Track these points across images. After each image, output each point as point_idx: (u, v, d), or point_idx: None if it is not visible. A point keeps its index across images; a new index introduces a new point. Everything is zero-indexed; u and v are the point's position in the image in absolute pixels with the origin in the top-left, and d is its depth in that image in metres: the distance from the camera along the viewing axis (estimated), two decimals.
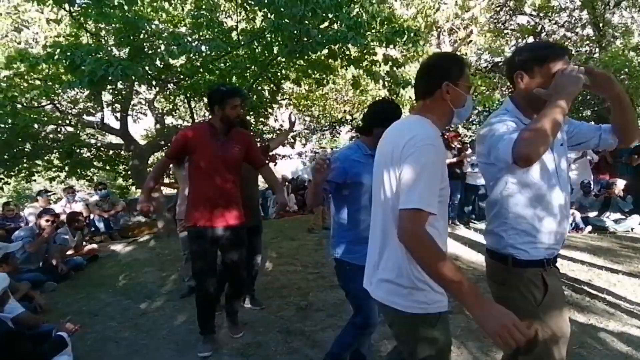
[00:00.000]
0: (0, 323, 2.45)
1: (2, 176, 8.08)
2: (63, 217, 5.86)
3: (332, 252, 2.12)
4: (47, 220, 4.96)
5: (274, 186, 3.07)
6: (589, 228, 6.23)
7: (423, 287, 1.29)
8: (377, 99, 10.66)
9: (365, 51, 5.01)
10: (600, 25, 9.53)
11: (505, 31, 11.78)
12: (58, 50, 3.93)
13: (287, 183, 10.50)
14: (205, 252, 2.65)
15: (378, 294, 1.41)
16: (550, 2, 10.23)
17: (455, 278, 1.12)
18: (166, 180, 7.01)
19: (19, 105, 6.09)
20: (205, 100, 7.66)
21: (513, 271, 1.47)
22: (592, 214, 6.62)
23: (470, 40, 10.44)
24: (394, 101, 2.51)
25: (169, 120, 10.06)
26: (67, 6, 4.58)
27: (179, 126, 9.54)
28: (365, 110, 2.12)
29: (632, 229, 6.04)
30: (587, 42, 10.33)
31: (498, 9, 11.27)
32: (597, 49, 10.09)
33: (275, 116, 9.32)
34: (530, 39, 11.99)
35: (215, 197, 2.59)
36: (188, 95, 6.35)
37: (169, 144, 8.65)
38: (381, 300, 1.39)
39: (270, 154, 4.12)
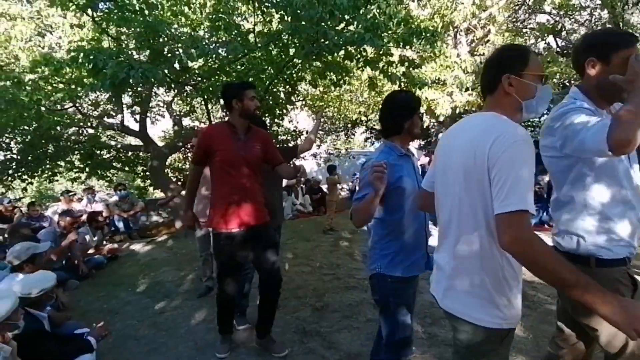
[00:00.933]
0: (36, 321, 2.53)
1: (26, 177, 8.35)
2: (84, 217, 6.01)
3: (373, 267, 1.89)
4: (71, 223, 5.09)
5: (290, 173, 2.83)
6: None
7: (500, 300, 1.22)
8: None
9: (381, 52, 4.98)
10: (620, 24, 9.26)
11: (524, 30, 11.56)
12: (81, 54, 4.03)
13: (302, 185, 10.53)
14: (231, 255, 2.58)
15: (447, 303, 1.34)
16: (570, 0, 10.00)
17: (577, 278, 1.02)
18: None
19: (43, 108, 6.26)
20: (222, 102, 7.84)
21: (597, 272, 1.37)
22: None
23: (488, 40, 10.29)
24: (405, 89, 2.41)
25: (186, 122, 10.22)
26: (89, 11, 4.70)
27: (195, 127, 9.67)
28: (383, 109, 1.93)
29: None
30: None
31: (517, 7, 11.08)
32: None
33: (290, 117, 9.36)
34: (550, 38, 11.75)
35: (240, 198, 2.51)
36: (205, 97, 6.43)
37: (186, 146, 8.81)
38: (451, 310, 1.33)
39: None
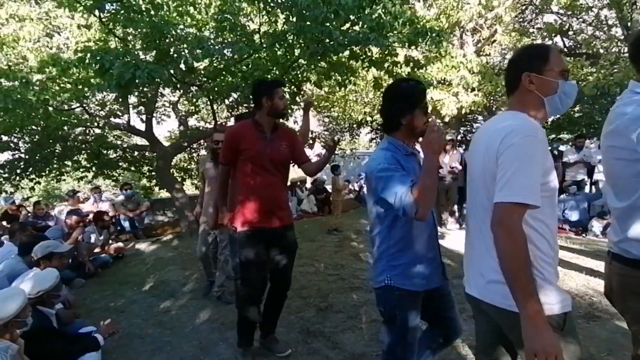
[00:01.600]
0: (44, 318, 2.56)
1: (33, 176, 8.44)
2: (90, 217, 6.06)
3: (380, 279, 1.73)
4: (78, 222, 5.15)
5: (319, 163, 2.83)
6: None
7: (541, 283, 1.20)
8: None
9: (386, 52, 4.97)
10: (628, 24, 9.17)
11: (531, 30, 11.47)
12: (88, 54, 4.06)
13: (305, 186, 10.54)
14: (259, 257, 2.48)
15: (487, 296, 1.33)
16: (577, 0, 9.91)
17: (527, 286, 1.10)
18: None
19: (50, 108, 6.32)
20: (227, 101, 7.89)
21: None
22: None
23: (495, 40, 10.23)
24: (411, 78, 2.26)
25: (192, 122, 10.27)
26: (96, 12, 4.74)
27: (201, 128, 9.71)
28: (382, 99, 1.78)
29: None
30: (617, 41, 9.95)
31: (523, 7, 11.00)
32: (626, 49, 9.70)
33: (295, 117, 9.37)
34: (557, 38, 11.65)
35: (266, 198, 2.47)
36: (211, 97, 6.46)
37: (192, 146, 8.88)
38: (492, 302, 1.31)
39: None
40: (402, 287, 1.68)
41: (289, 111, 7.83)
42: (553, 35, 10.90)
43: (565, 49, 11.55)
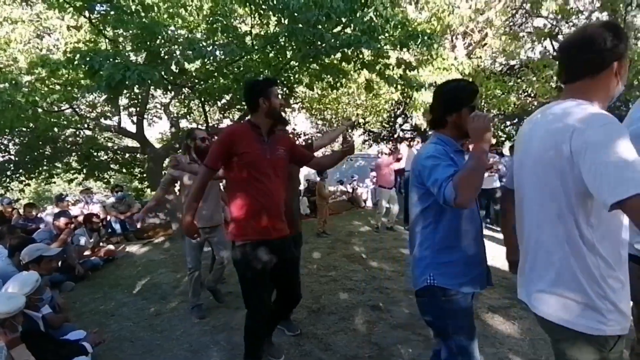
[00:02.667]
0: (32, 322, 2.54)
1: (23, 178, 8.34)
2: (80, 219, 6.00)
3: (422, 278, 1.60)
4: (66, 223, 5.09)
5: (331, 160, 2.68)
6: None
7: (603, 304, 1.12)
8: (390, 102, 10.57)
9: (378, 55, 5.00)
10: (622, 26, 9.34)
11: (521, 34, 11.62)
12: (77, 55, 4.03)
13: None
14: (264, 271, 2.28)
15: (539, 307, 1.27)
16: (567, 5, 10.06)
17: None
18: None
19: (39, 110, 6.26)
20: (219, 103, 7.86)
21: None
22: None
23: (485, 44, 10.35)
24: (464, 79, 2.00)
25: (183, 123, 10.22)
26: (86, 13, 4.71)
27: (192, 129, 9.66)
28: (433, 97, 1.73)
29: None
30: None
31: (514, 11, 11.15)
32: None
33: (288, 119, 9.37)
34: (547, 42, 11.81)
35: (266, 205, 2.26)
36: (202, 99, 6.44)
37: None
38: (543, 314, 1.25)
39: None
40: (448, 288, 1.55)
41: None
42: (543, 39, 11.06)
43: (555, 53, 11.70)
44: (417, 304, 1.69)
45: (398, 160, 7.20)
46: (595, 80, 1.19)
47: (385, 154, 7.88)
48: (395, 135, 17.18)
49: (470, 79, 8.10)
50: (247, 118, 2.40)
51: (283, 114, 2.44)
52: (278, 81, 2.48)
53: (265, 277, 2.30)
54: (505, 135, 14.00)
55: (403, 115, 16.60)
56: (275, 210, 2.32)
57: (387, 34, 4.72)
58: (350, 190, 12.02)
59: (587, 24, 1.46)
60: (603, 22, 1.22)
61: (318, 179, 7.19)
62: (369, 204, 11.44)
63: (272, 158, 2.31)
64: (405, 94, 6.30)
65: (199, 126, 10.00)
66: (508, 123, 13.13)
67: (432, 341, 2.82)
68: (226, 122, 9.67)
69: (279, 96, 2.36)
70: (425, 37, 4.75)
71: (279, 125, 2.50)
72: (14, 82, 5.82)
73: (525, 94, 9.82)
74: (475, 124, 1.40)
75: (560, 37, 11.66)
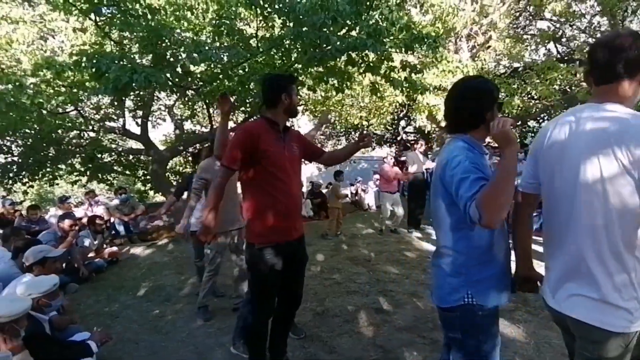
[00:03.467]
0: (38, 325, 2.54)
1: (26, 180, 8.37)
2: (84, 221, 6.01)
3: (457, 297, 1.47)
4: (71, 225, 5.10)
5: (345, 151, 2.65)
6: None
7: (632, 305, 1.19)
8: (394, 104, 10.55)
9: (383, 57, 5.00)
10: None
11: (525, 36, 11.61)
12: (84, 58, 4.04)
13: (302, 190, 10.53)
14: (278, 272, 2.22)
15: (575, 310, 1.27)
16: (570, 7, 10.05)
17: None
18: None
19: (44, 112, 6.29)
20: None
21: None
22: None
23: (489, 46, 10.34)
24: (479, 75, 1.88)
25: (187, 125, 10.25)
26: (92, 15, 4.73)
27: (197, 132, 9.69)
28: (457, 95, 1.56)
29: None
30: None
31: (517, 14, 11.14)
32: None
33: (292, 122, 9.38)
34: (551, 45, 11.80)
35: (287, 205, 2.19)
36: (207, 101, 6.45)
37: (187, 150, 8.83)
38: (580, 318, 1.26)
39: None
40: (486, 306, 1.45)
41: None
42: (547, 41, 11.05)
43: (559, 55, 11.69)
44: (443, 320, 1.59)
45: (400, 165, 7.25)
46: (631, 82, 1.21)
47: (391, 157, 7.86)
48: (399, 138, 17.17)
49: None
50: (260, 115, 2.32)
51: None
52: (294, 77, 2.43)
53: (279, 278, 2.25)
54: None
55: (406, 118, 16.59)
56: (296, 210, 2.28)
57: (392, 37, 4.71)
58: (354, 192, 12.00)
59: (619, 29, 1.47)
60: (634, 30, 1.25)
61: (321, 181, 7.18)
62: (373, 206, 11.43)
63: (290, 155, 2.25)
64: (409, 97, 6.28)
65: (203, 128, 10.02)
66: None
67: (439, 343, 2.82)
68: (230, 125, 9.69)
69: (297, 92, 2.33)
70: (430, 40, 4.74)
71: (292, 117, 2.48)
72: (17, 83, 5.85)
73: (529, 96, 9.81)
74: (499, 128, 1.30)
75: (563, 39, 11.65)
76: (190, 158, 10.39)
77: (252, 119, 7.91)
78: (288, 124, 2.42)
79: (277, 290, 2.32)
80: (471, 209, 1.26)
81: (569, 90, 9.98)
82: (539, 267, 1.51)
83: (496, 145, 1.33)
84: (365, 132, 2.85)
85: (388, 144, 18.57)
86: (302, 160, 2.46)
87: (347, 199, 11.88)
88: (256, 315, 2.29)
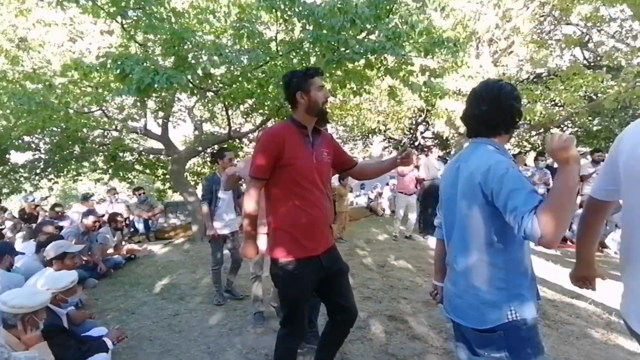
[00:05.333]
0: (56, 318, 2.61)
1: (52, 176, 8.65)
2: (105, 218, 6.17)
3: (499, 315, 1.36)
4: (94, 222, 5.26)
5: (380, 166, 2.36)
6: None
7: None
8: (412, 109, 10.46)
9: (402, 61, 4.98)
10: None
11: (550, 42, 11.34)
12: (110, 59, 4.17)
13: None
14: (309, 289, 2.02)
15: None
16: (598, 11, 9.77)
17: None
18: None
19: (71, 111, 6.49)
20: (242, 108, 7.97)
21: None
22: None
23: (512, 51, 10.14)
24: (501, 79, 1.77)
25: (206, 127, 10.39)
26: (119, 18, 4.87)
27: (215, 133, 9.82)
28: (487, 98, 1.46)
29: None
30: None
31: (542, 18, 10.89)
32: None
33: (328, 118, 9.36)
34: (577, 50, 11.49)
35: (315, 220, 1.98)
36: (226, 103, 6.54)
37: (206, 150, 8.96)
38: None
39: None
40: (528, 319, 1.36)
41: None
42: (572, 47, 10.76)
43: (585, 61, 11.37)
44: (481, 341, 1.43)
45: (417, 167, 7.16)
46: None
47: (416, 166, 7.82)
48: (416, 143, 17.00)
49: None
50: (290, 116, 2.09)
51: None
52: (321, 70, 2.12)
53: (308, 296, 2.04)
54: (530, 146, 13.65)
55: (424, 123, 16.41)
56: (325, 222, 2.05)
57: (411, 41, 4.69)
58: (373, 197, 11.93)
59: None
60: None
61: (336, 183, 7.15)
62: (387, 212, 11.34)
63: (318, 162, 2.01)
64: (428, 102, 6.22)
65: (222, 129, 10.14)
66: (533, 133, 12.78)
67: (454, 354, 2.76)
68: (248, 127, 9.77)
69: (322, 88, 2.00)
70: (451, 44, 4.69)
71: (325, 121, 2.15)
72: (47, 83, 6.06)
73: (553, 102, 9.55)
74: (558, 143, 1.18)
75: (590, 44, 11.32)
76: (208, 159, 10.57)
77: (273, 122, 7.97)
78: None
79: (307, 310, 2.12)
80: (532, 225, 1.15)
81: (594, 97, 9.68)
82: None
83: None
84: (408, 147, 2.38)
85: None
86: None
87: (362, 204, 11.83)
88: (290, 336, 2.06)
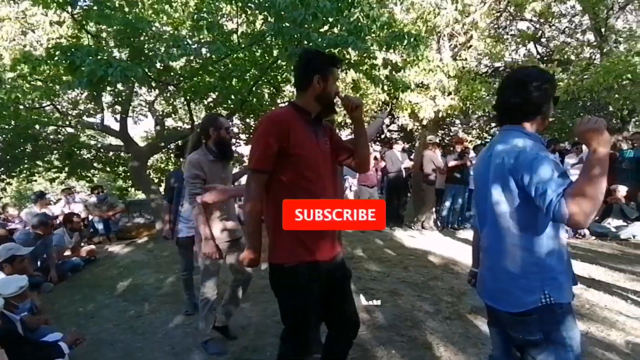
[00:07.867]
0: (9, 323, 2.47)
1: (4, 177, 8.14)
2: (61, 219, 5.86)
3: (534, 298, 1.37)
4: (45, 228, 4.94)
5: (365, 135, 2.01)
6: (589, 234, 6.16)
7: None
8: (377, 103, 10.61)
9: (365, 55, 5.02)
10: (603, 30, 9.54)
11: (506, 37, 11.79)
12: (58, 51, 3.94)
13: None
14: (314, 298, 1.78)
15: None
16: (550, 8, 10.24)
17: None
18: None
19: (20, 107, 6.13)
20: (205, 102, 7.77)
21: None
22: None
23: (471, 46, 10.45)
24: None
25: (169, 122, 10.10)
26: (69, 8, 4.60)
27: (178, 128, 9.56)
28: (515, 84, 1.46)
29: (634, 236, 5.94)
30: (588, 47, 10.36)
31: (498, 14, 11.29)
32: (598, 55, 10.11)
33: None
34: (531, 45, 12.01)
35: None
36: (188, 97, 6.37)
37: (169, 146, 8.70)
38: None
39: None
40: (563, 302, 1.37)
41: (268, 112, 7.78)
42: (527, 42, 11.24)
43: (538, 56, 11.92)
44: (516, 324, 1.43)
45: (375, 159, 7.30)
46: None
47: (375, 158, 7.93)
48: (382, 136, 17.26)
49: (456, 80, 8.20)
50: (290, 101, 1.93)
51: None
52: (341, 61, 2.02)
53: (315, 305, 1.81)
54: (490, 137, 14.22)
55: (389, 116, 16.68)
56: None
57: (373, 35, 4.73)
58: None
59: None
60: None
61: None
62: None
63: (323, 152, 1.82)
64: (391, 95, 6.31)
65: (185, 124, 9.88)
66: (493, 125, 13.32)
67: (418, 341, 2.84)
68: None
69: (336, 81, 1.86)
70: (411, 39, 4.77)
71: (330, 114, 1.98)
72: None
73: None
74: (589, 125, 1.21)
75: (543, 40, 11.87)
76: (172, 155, 10.26)
77: (238, 117, 7.81)
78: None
79: (313, 320, 1.92)
80: (560, 206, 1.19)
81: None
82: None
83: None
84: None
85: (372, 142, 18.64)
86: None
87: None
88: (295, 350, 1.82)
